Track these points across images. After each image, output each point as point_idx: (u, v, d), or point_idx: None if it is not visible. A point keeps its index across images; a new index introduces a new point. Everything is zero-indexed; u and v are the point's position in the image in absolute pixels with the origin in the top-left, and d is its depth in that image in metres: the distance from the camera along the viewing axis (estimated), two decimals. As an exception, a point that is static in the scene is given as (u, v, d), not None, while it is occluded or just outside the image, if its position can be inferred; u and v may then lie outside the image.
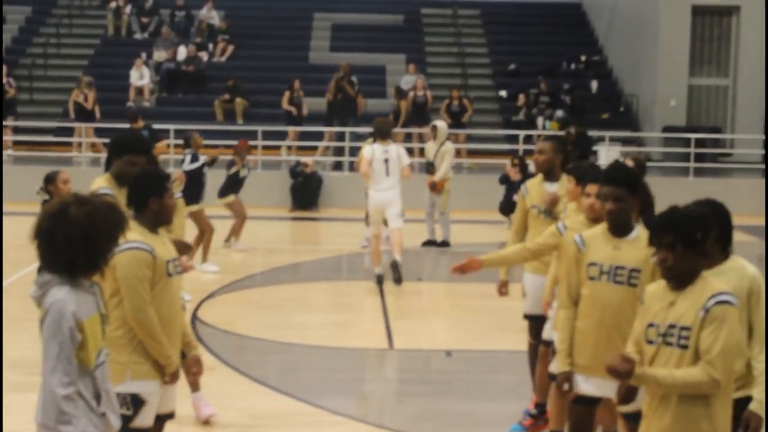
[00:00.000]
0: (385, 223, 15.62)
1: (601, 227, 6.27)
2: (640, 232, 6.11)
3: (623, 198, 6.08)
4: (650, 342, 5.04)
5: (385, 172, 14.50)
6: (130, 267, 5.90)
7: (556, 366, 6.95)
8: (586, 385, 6.23)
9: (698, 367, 4.85)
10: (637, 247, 6.07)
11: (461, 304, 14.10)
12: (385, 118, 17.10)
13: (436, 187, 17.18)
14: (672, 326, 4.95)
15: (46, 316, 4.96)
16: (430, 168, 17.24)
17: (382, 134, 14.76)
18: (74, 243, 5.01)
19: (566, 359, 6.32)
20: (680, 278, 4.98)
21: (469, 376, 10.42)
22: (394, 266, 14.39)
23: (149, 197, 6.13)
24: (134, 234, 5.75)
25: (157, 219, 6.25)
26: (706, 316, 4.86)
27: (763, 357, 5.48)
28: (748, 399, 5.42)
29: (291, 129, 24.69)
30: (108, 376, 5.20)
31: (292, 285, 15.05)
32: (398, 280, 14.23)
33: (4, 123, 24.69)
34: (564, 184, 7.78)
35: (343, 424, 8.84)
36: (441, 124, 18.25)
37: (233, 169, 16.10)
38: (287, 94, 25.09)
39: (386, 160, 14.45)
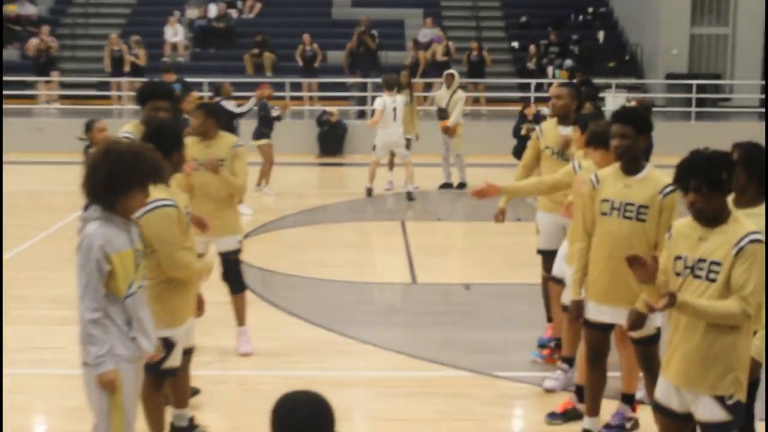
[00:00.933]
0: (391, 166, 16.42)
1: (614, 167, 6.36)
2: (649, 171, 6.27)
3: (630, 136, 6.18)
4: (678, 274, 5.11)
5: (393, 118, 16.21)
6: (162, 224, 5.94)
7: (567, 296, 7.13)
8: (598, 313, 6.34)
9: (734, 300, 4.89)
10: (646, 185, 6.17)
11: (478, 242, 14.25)
12: (391, 74, 17.51)
13: (449, 131, 17.25)
14: (702, 260, 5.02)
15: (79, 248, 5.22)
16: (442, 114, 17.35)
17: (389, 87, 16.46)
18: (98, 181, 5.25)
19: (578, 288, 6.45)
20: (710, 218, 5.01)
21: (487, 307, 10.62)
22: (408, 194, 16.77)
23: (172, 150, 6.19)
24: (158, 191, 5.77)
25: (174, 171, 6.30)
26: (739, 253, 4.92)
27: None
28: None
29: (313, 81, 24.71)
30: (142, 304, 5.41)
31: (321, 225, 15.22)
32: (411, 198, 16.70)
33: (47, 78, 24.95)
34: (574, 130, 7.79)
35: (371, 352, 9.01)
36: (453, 73, 18.33)
37: (267, 111, 16.36)
38: (300, 47, 25.25)
39: (394, 109, 16.11)
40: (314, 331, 9.52)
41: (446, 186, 17.81)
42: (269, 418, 3.52)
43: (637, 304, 5.33)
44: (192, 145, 7.89)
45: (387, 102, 16.36)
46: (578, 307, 6.47)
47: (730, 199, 5.26)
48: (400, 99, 16.49)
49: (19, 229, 13.92)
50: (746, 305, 4.87)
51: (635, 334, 5.61)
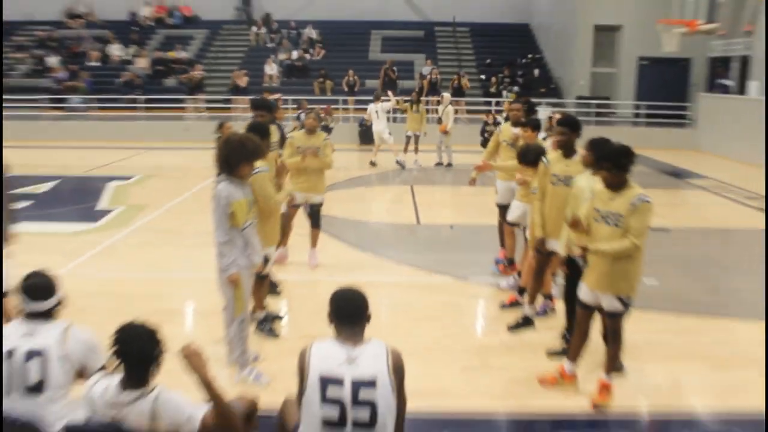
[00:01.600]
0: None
1: (558, 153, 6.41)
2: (578, 155, 6.25)
3: (566, 133, 6.30)
4: (596, 220, 5.19)
5: (377, 117, 17.44)
6: (263, 182, 5.93)
7: (530, 233, 7.05)
8: (549, 244, 6.43)
9: (626, 239, 5.01)
10: (576, 163, 6.18)
11: (459, 199, 14.31)
12: (378, 91, 19.07)
13: (444, 131, 17.30)
14: (611, 213, 5.09)
15: (213, 199, 5.33)
16: (440, 120, 17.45)
17: (375, 98, 17.82)
18: (224, 157, 5.35)
19: (540, 229, 6.48)
20: (615, 186, 5.09)
21: (464, 239, 10.67)
22: (398, 162, 17.40)
23: (264, 138, 6.47)
24: (258, 162, 5.77)
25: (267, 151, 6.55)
26: (633, 208, 5.01)
27: None
28: None
29: (352, 98, 24.61)
30: (253, 234, 5.54)
31: (360, 188, 15.17)
32: (402, 166, 17.23)
33: (196, 96, 25.06)
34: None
35: (392, 266, 9.08)
36: (446, 94, 18.44)
37: (323, 122, 16.29)
38: (346, 78, 25.21)
39: (376, 111, 17.47)
40: (357, 253, 9.60)
41: (439, 164, 17.74)
42: (328, 303, 3.59)
43: (566, 248, 5.76)
44: (299, 137, 8.44)
45: (372, 108, 17.72)
46: (542, 242, 6.49)
47: None
48: (380, 105, 17.47)
49: (176, 189, 14.06)
50: (636, 240, 5.00)
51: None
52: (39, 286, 3.92)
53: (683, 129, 23.13)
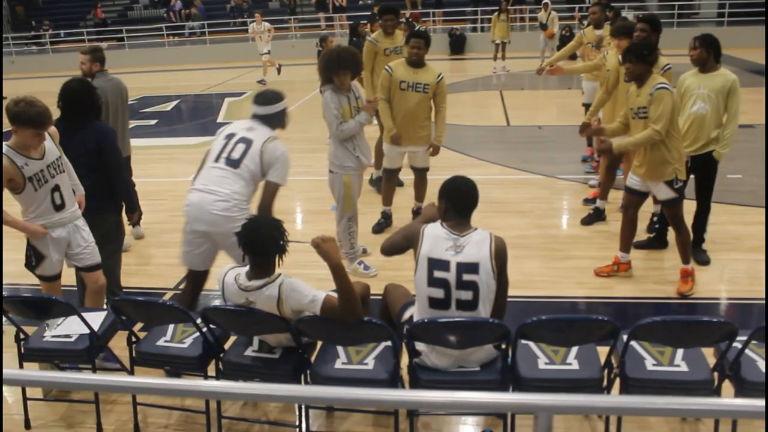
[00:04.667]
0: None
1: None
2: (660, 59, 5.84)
3: (647, 30, 5.81)
4: (633, 117, 5.02)
5: (259, 39, 17.62)
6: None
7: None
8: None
9: (647, 130, 4.83)
10: (657, 65, 5.76)
11: (547, 101, 13.87)
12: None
13: (551, 35, 16.99)
14: (640, 107, 4.90)
15: (323, 105, 5.30)
16: (543, 26, 17.09)
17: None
18: (320, 67, 5.33)
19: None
20: (638, 79, 4.91)
21: (552, 139, 10.31)
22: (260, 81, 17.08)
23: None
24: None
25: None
26: (651, 98, 4.79)
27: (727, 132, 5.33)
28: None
29: (439, 11, 23.82)
30: (362, 135, 5.44)
31: (455, 93, 14.78)
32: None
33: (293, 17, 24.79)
34: (605, 30, 7.47)
35: (486, 165, 8.96)
36: (549, 1, 17.78)
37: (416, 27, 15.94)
38: None
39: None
40: (453, 154, 9.43)
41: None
42: (440, 190, 3.56)
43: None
44: (382, 39, 7.52)
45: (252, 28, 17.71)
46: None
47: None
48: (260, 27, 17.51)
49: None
50: (655, 126, 4.79)
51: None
52: (265, 95, 4.41)
53: (769, 26, 21.39)
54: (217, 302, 3.78)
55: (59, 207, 4.18)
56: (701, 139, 5.35)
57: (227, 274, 3.50)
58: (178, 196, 8.04)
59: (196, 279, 4.40)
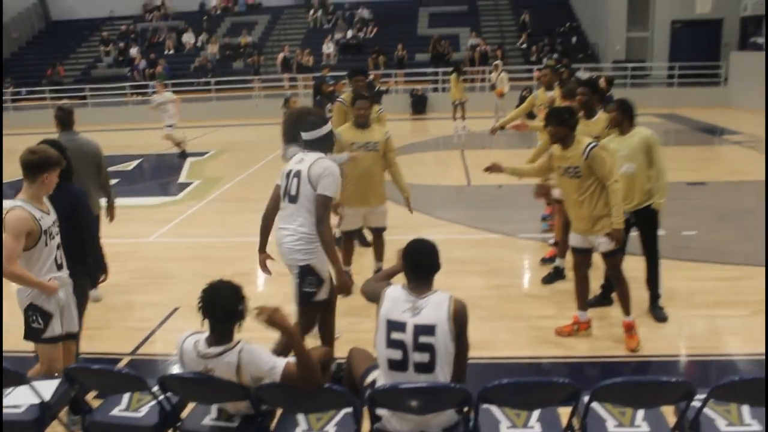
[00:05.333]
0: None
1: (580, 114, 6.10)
2: (599, 114, 6.08)
3: (587, 93, 6.03)
4: (562, 175, 5.15)
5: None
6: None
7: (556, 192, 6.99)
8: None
9: (609, 187, 4.94)
10: (595, 124, 5.98)
11: (510, 160, 14.03)
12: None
13: (501, 95, 17.16)
14: (571, 167, 5.03)
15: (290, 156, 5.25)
16: (493, 87, 17.38)
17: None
18: (286, 126, 5.27)
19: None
20: (561, 141, 5.08)
21: (513, 198, 10.36)
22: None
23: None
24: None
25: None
26: (588, 161, 4.93)
27: (659, 182, 5.49)
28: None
29: (401, 71, 24.35)
30: None
31: (414, 153, 14.89)
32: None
33: (258, 77, 25.08)
34: (556, 92, 7.64)
35: (446, 224, 9.01)
36: (499, 62, 18.32)
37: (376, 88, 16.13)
38: (396, 53, 25.00)
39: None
40: (415, 213, 9.31)
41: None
42: (401, 253, 3.57)
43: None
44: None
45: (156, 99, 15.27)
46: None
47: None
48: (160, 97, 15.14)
49: (248, 161, 14.20)
50: (616, 182, 4.95)
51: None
52: (310, 121, 4.60)
53: (716, 87, 22.29)
54: (175, 368, 3.69)
55: (60, 266, 4.12)
56: (636, 195, 5.52)
57: (186, 341, 3.43)
58: (139, 258, 7.99)
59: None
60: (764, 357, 4.88)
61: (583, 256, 5.33)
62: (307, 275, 4.39)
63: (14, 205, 3.89)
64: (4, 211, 3.88)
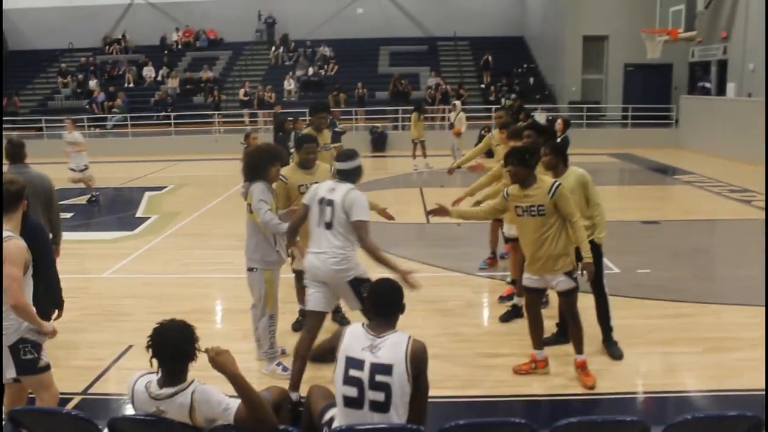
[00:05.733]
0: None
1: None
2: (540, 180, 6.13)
3: (532, 136, 6.16)
4: (521, 215, 5.17)
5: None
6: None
7: (507, 229, 7.07)
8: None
9: (573, 225, 5.03)
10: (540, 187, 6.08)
11: (467, 199, 14.18)
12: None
13: (458, 133, 17.15)
14: (534, 205, 5.06)
15: (251, 194, 5.31)
16: (451, 126, 17.46)
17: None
18: (249, 164, 5.36)
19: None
20: (522, 182, 5.14)
21: (471, 236, 10.42)
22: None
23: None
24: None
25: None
26: (554, 196, 5.00)
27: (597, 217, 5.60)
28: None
29: (361, 109, 24.62)
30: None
31: (374, 191, 14.99)
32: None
33: (218, 112, 25.00)
34: (495, 133, 7.93)
35: (405, 261, 8.93)
36: (457, 102, 18.49)
37: (337, 129, 16.16)
38: (357, 90, 25.18)
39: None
40: None
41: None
42: (367, 294, 3.57)
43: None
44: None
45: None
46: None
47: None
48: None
49: (206, 196, 14.05)
50: (578, 219, 5.05)
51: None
52: (346, 153, 5.10)
53: (667, 129, 22.97)
54: (127, 409, 3.58)
55: (35, 300, 4.07)
56: None
57: (137, 381, 3.33)
58: (92, 294, 7.79)
59: (313, 323, 5.01)
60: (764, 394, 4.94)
61: (536, 295, 5.39)
62: (359, 284, 4.92)
63: (8, 236, 3.83)
64: (3, 239, 3.80)
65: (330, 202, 4.88)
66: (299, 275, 6.43)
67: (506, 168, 5.22)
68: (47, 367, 4.13)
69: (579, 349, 5.32)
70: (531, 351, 5.52)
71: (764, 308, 6.67)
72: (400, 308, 3.52)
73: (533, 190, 5.10)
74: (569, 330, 5.39)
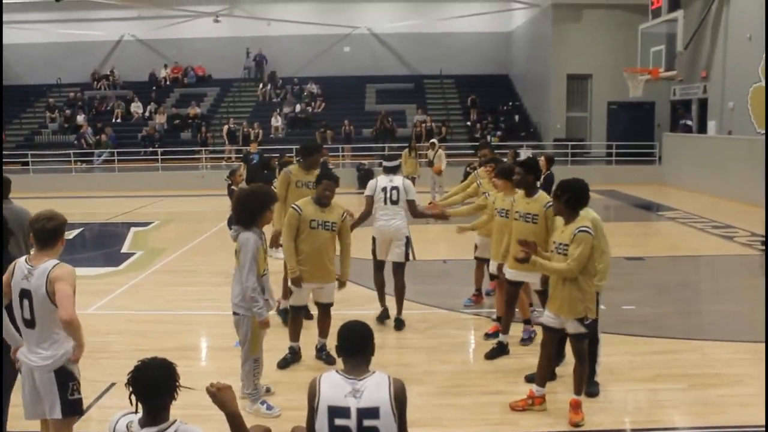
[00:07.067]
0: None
1: (520, 192, 6.32)
2: (540, 194, 6.25)
3: (521, 173, 6.21)
4: (552, 251, 5.24)
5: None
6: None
7: (492, 267, 7.06)
8: (517, 275, 6.33)
9: (565, 263, 5.04)
10: (537, 201, 6.17)
11: (451, 237, 14.17)
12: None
13: (438, 172, 17.27)
14: (562, 244, 5.13)
15: (242, 246, 5.19)
16: (431, 163, 17.50)
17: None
18: (244, 209, 5.28)
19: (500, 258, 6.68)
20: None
21: (458, 273, 10.48)
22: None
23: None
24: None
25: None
26: (573, 238, 5.02)
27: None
28: None
29: (348, 146, 24.83)
30: (268, 280, 5.35)
31: (361, 228, 15.07)
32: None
33: (205, 148, 25.03)
34: (481, 171, 8.20)
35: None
36: (435, 140, 18.58)
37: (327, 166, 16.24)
38: (343, 127, 25.42)
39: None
40: (358, 288, 9.32)
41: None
42: (337, 334, 3.51)
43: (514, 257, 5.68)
44: (297, 172, 7.67)
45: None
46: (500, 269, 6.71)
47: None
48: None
49: (192, 233, 13.99)
50: (571, 264, 5.01)
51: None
52: (389, 156, 7.69)
53: (650, 165, 23.27)
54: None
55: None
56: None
57: (119, 422, 3.27)
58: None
59: (380, 265, 7.92)
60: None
61: (553, 334, 5.37)
62: (410, 241, 7.63)
63: (59, 261, 4.07)
64: (51, 266, 4.03)
65: (395, 188, 7.39)
66: (296, 310, 6.40)
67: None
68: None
69: (579, 390, 5.29)
70: (530, 387, 5.52)
71: (748, 344, 6.70)
72: (372, 350, 3.49)
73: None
74: (574, 368, 5.33)
